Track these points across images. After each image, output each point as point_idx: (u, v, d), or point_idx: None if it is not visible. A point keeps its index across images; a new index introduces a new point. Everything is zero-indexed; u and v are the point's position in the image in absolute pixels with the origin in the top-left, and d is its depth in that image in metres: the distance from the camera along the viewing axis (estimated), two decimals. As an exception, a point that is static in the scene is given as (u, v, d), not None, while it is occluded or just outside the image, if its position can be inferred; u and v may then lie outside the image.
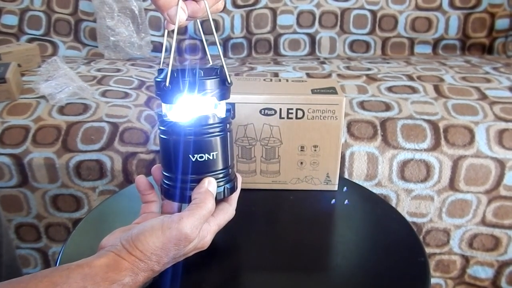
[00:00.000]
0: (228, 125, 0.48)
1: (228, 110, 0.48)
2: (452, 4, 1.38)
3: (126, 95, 1.01)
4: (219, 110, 0.47)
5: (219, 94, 0.46)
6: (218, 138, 0.46)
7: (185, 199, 0.47)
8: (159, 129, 0.47)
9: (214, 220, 0.46)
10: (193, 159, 0.45)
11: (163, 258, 0.41)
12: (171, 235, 0.40)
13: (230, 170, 0.49)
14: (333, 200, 0.62)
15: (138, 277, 0.39)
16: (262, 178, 0.64)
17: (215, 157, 0.46)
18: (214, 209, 0.45)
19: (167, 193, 0.48)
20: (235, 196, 0.50)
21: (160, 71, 0.46)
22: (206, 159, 0.46)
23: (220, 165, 0.47)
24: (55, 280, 0.36)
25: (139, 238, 0.40)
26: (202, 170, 0.46)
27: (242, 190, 0.52)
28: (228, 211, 0.48)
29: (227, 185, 0.48)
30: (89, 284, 0.37)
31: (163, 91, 0.44)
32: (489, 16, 1.38)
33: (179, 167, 0.46)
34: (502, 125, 0.85)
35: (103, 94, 1.00)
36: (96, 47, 1.43)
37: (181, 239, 0.41)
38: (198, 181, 0.46)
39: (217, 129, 0.46)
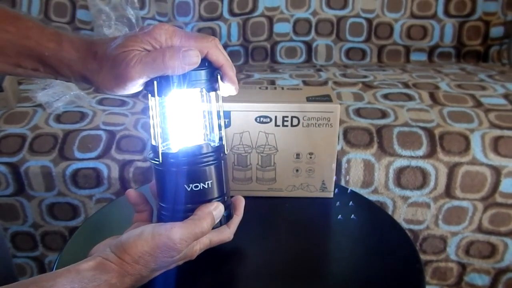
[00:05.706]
0: (221, 153, 0.47)
1: (220, 139, 0.48)
2: (447, 12, 1.39)
3: (123, 103, 1.01)
4: (213, 138, 0.48)
5: (208, 85, 0.45)
6: (212, 166, 0.46)
7: None
8: (154, 161, 0.46)
9: (208, 234, 0.46)
10: (188, 189, 0.45)
11: (151, 263, 0.41)
12: (160, 241, 0.40)
13: (226, 197, 0.49)
14: (340, 216, 0.62)
15: (125, 279, 0.40)
16: (258, 185, 0.64)
17: (210, 186, 0.46)
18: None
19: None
20: (236, 220, 0.50)
21: None
22: (201, 188, 0.46)
23: (215, 193, 0.47)
24: (41, 285, 0.37)
25: (128, 242, 0.40)
26: (198, 199, 0.46)
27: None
28: (225, 231, 0.48)
29: (224, 213, 0.48)
30: (77, 286, 0.37)
31: (151, 85, 0.43)
32: (484, 24, 1.39)
33: (175, 197, 0.46)
34: (497, 132, 0.86)
35: (100, 102, 1.00)
36: (94, 55, 1.43)
37: (170, 246, 0.41)
38: (194, 210, 0.46)
39: (211, 158, 0.46)
